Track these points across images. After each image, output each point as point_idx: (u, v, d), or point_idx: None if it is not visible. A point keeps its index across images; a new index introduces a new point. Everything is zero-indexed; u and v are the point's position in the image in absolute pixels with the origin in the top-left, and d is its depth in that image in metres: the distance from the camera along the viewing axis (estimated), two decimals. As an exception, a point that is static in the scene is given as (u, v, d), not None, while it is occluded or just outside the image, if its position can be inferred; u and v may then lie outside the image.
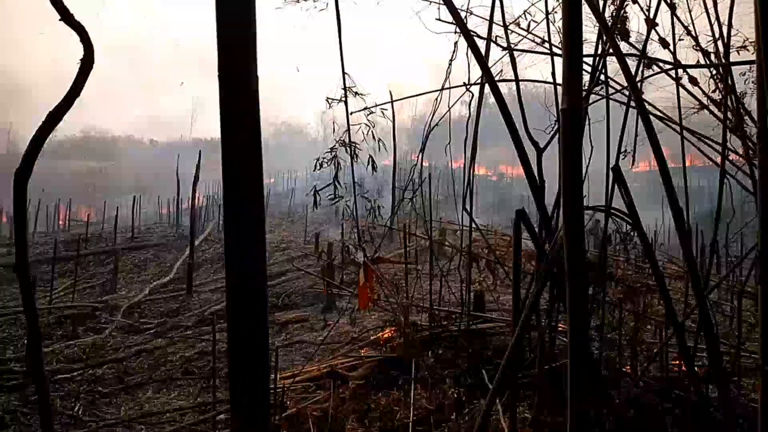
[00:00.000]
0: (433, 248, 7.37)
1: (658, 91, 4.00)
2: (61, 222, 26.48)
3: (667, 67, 3.69)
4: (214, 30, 1.86)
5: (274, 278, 13.37)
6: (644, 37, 3.59)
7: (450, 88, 3.74)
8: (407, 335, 5.81)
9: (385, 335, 6.96)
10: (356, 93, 3.55)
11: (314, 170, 3.86)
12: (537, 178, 3.40)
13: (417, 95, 4.54)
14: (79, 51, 2.26)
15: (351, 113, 3.77)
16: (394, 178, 5.92)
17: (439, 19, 3.59)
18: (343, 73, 3.50)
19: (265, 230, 1.92)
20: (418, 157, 4.17)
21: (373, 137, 3.80)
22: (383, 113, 3.81)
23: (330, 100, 3.52)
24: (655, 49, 3.88)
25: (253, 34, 1.84)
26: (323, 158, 3.83)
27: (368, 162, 3.91)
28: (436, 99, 3.67)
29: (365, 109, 3.69)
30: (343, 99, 3.63)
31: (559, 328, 4.08)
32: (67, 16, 2.11)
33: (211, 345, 6.61)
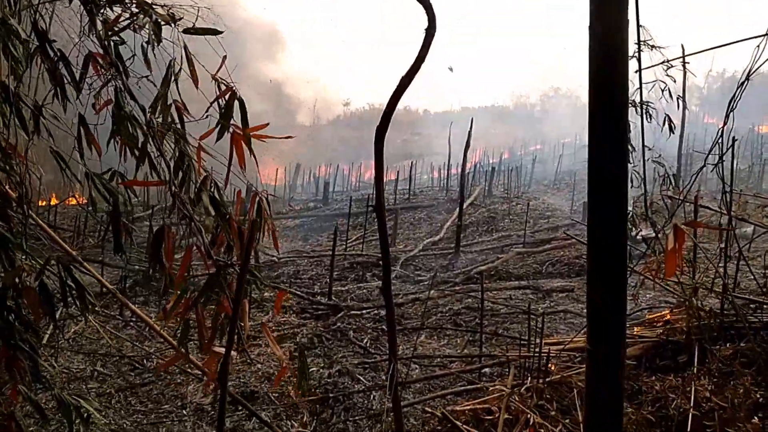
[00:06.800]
0: (733, 224, 6.33)
1: None
2: (353, 180, 31.38)
3: None
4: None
5: (537, 245, 13.27)
6: None
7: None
8: (695, 319, 5.20)
9: (665, 317, 6.34)
10: (653, 46, 3.21)
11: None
12: None
13: (726, 45, 3.87)
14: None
15: (639, 70, 3.44)
16: (681, 141, 5.25)
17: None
18: (638, 25, 3.19)
19: (627, 187, 1.97)
20: (724, 118, 3.58)
21: (670, 95, 3.39)
22: (684, 67, 3.37)
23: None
24: None
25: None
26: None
27: (663, 123, 3.52)
28: (758, 46, 3.06)
29: (662, 63, 3.31)
30: (636, 54, 3.33)
31: None
32: None
33: (479, 302, 6.97)
